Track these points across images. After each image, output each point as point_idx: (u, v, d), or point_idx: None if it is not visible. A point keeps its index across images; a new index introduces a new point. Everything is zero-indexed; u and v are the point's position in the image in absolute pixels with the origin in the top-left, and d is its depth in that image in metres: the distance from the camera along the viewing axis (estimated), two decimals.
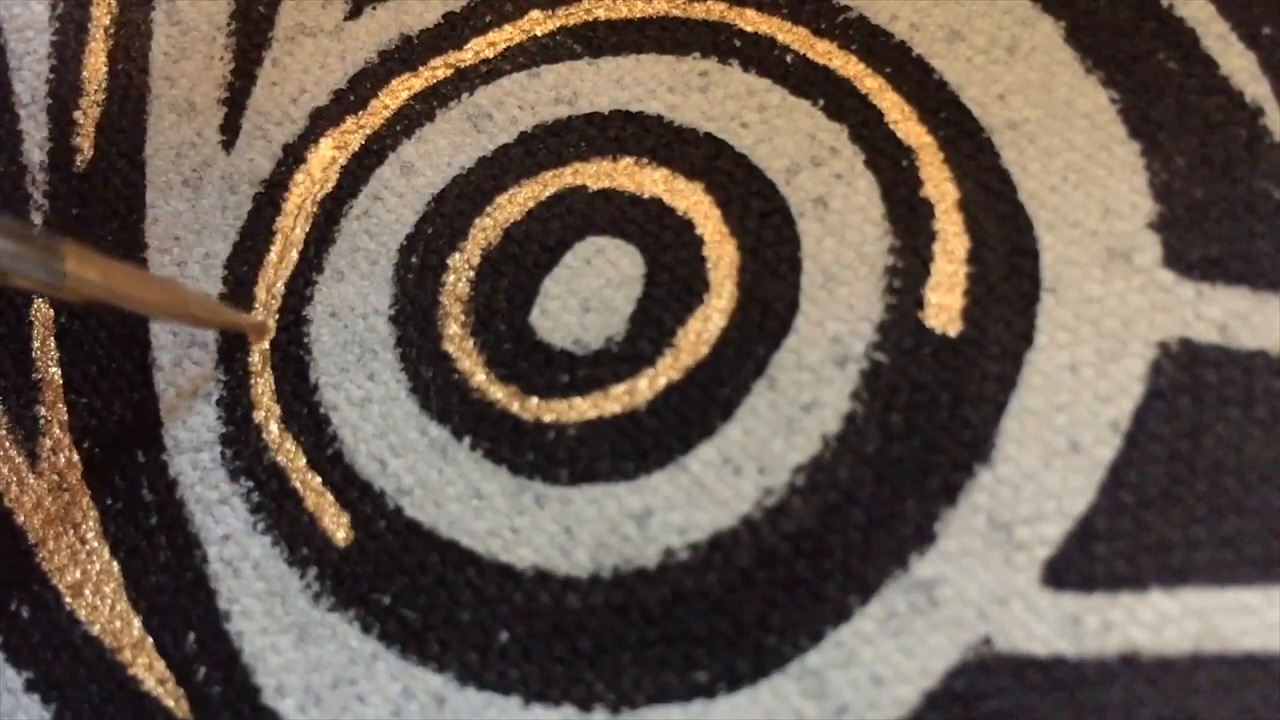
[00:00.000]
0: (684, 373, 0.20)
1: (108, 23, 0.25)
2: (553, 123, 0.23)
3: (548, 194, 0.22)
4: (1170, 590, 0.17)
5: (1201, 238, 0.19)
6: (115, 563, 0.21)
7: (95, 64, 0.25)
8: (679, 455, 0.19)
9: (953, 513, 0.18)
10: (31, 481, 0.22)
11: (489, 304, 0.21)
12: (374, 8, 0.25)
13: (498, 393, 0.21)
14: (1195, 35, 0.21)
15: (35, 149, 0.25)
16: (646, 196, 0.22)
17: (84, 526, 0.21)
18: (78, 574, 0.21)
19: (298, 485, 0.21)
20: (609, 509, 0.19)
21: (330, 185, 0.23)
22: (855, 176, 0.21)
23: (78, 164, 0.24)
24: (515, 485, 0.20)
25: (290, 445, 0.21)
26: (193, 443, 0.21)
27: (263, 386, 0.22)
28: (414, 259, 0.22)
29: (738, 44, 0.23)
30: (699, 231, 0.21)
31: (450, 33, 0.24)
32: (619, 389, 0.20)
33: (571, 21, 0.24)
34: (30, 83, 0.25)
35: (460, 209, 0.22)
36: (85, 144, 0.24)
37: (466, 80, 0.23)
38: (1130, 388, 0.19)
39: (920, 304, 0.20)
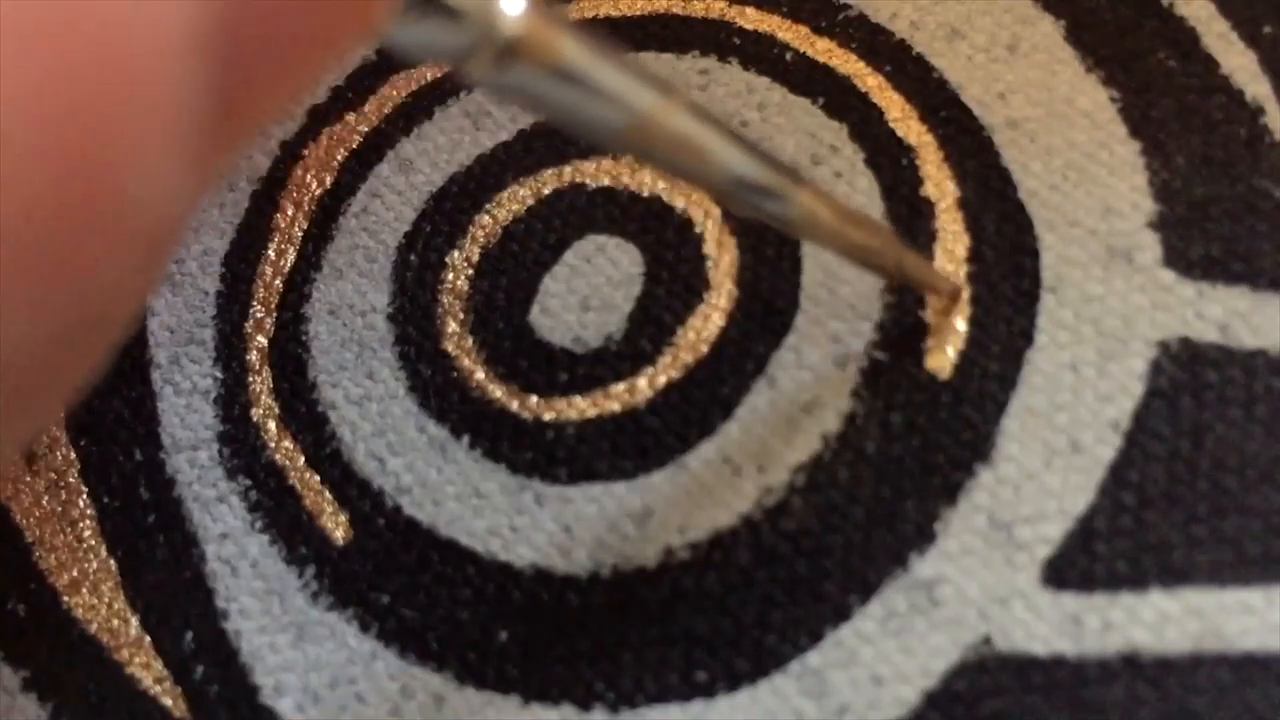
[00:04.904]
0: (684, 371, 0.20)
1: None
2: None
3: (547, 192, 0.22)
4: (1171, 590, 0.17)
5: (1202, 237, 0.19)
6: (112, 561, 0.21)
7: None
8: (679, 454, 0.19)
9: (953, 512, 0.18)
10: (28, 479, 0.22)
11: (488, 302, 0.21)
12: None
13: (497, 391, 0.21)
14: (1195, 34, 0.21)
15: None
16: (646, 194, 0.22)
17: (81, 525, 0.21)
18: (75, 572, 0.21)
19: (296, 483, 0.21)
20: (609, 508, 0.19)
21: (329, 183, 0.23)
22: (855, 175, 0.21)
23: None
24: (514, 484, 0.20)
25: (288, 443, 0.21)
26: (190, 441, 0.21)
27: (260, 384, 0.22)
28: (413, 257, 0.22)
29: (737, 42, 0.23)
30: (699, 230, 0.21)
31: None
32: (619, 387, 0.20)
33: (571, 19, 0.24)
34: None
35: (459, 206, 0.22)
36: None
37: None
38: (1131, 387, 0.18)
39: (921, 303, 0.20)
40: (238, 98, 0.09)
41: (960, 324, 0.19)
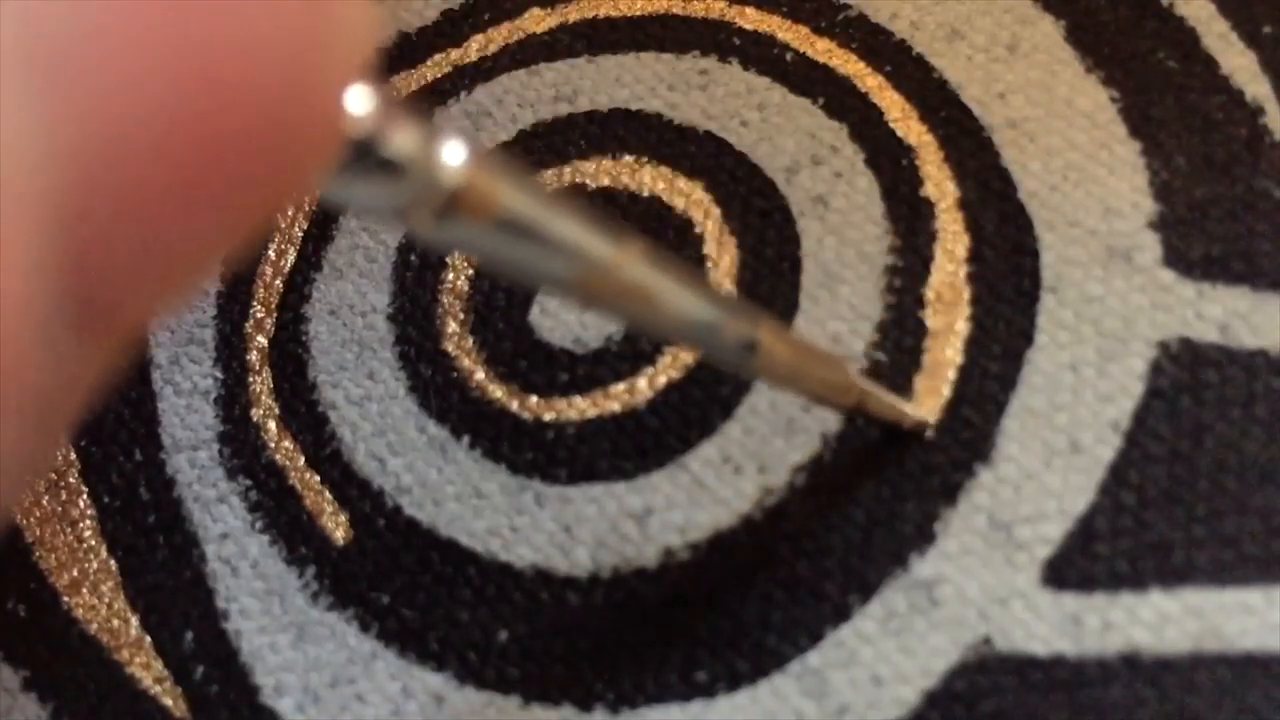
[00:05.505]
0: (684, 371, 0.20)
1: None
2: (552, 121, 0.23)
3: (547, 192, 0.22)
4: (1170, 590, 0.17)
5: (1202, 237, 0.19)
6: (113, 561, 0.21)
7: None
8: (679, 454, 0.19)
9: (953, 512, 0.18)
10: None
11: (488, 302, 0.21)
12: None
13: (497, 391, 0.21)
14: (1195, 34, 0.21)
15: None
16: (646, 194, 0.22)
17: (81, 525, 0.21)
18: (75, 572, 0.21)
19: (296, 483, 0.21)
20: (609, 508, 0.19)
21: None
22: (855, 175, 0.21)
23: None
24: (515, 484, 0.20)
25: (288, 443, 0.21)
26: (190, 441, 0.21)
27: (261, 384, 0.22)
28: (413, 257, 0.22)
29: (737, 42, 0.23)
30: (699, 230, 0.21)
31: (449, 30, 0.24)
32: (619, 388, 0.20)
33: (571, 19, 0.24)
34: None
35: None
36: None
37: (465, 78, 0.23)
38: (1131, 387, 0.18)
39: (921, 303, 0.20)
40: (101, 325, 0.08)
41: (960, 325, 0.19)
